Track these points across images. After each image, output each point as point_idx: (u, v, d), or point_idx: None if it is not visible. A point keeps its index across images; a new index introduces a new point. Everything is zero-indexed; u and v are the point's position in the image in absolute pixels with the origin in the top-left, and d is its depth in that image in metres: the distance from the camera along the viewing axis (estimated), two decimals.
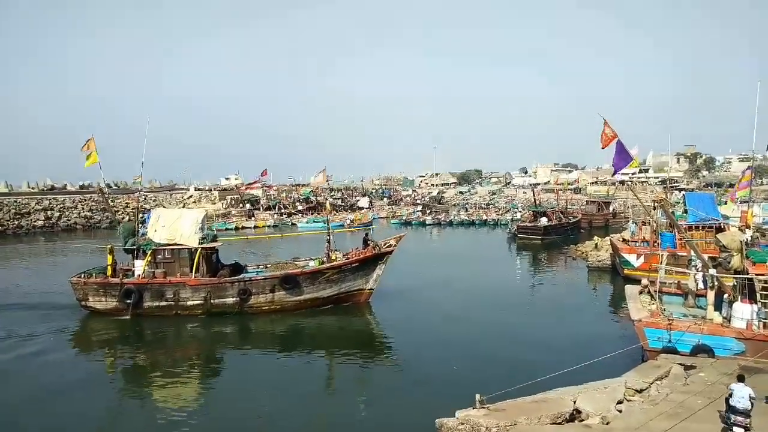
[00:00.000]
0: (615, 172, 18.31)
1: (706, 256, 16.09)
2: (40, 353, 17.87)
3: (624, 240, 30.64)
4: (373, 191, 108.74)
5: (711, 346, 13.26)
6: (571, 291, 27.45)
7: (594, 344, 16.52)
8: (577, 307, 23.43)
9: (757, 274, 13.51)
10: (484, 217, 69.20)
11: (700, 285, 16.87)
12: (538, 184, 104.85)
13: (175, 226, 22.61)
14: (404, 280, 28.18)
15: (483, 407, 9.76)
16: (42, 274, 33.12)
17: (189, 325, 20.96)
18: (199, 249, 22.11)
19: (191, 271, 21.98)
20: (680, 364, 12.18)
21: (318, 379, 15.77)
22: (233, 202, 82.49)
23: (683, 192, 55.82)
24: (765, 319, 13.12)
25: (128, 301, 21.49)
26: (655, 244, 25.49)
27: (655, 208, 26.54)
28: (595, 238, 39.14)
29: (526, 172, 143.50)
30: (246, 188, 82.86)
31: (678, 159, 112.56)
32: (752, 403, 8.50)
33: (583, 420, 9.85)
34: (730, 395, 8.66)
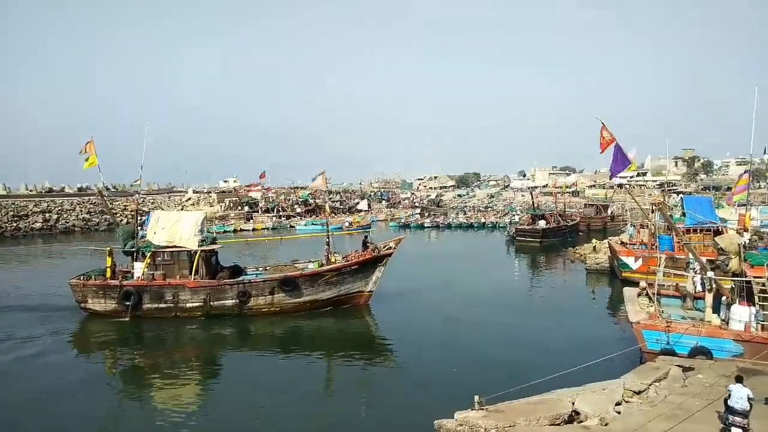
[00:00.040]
0: (612, 176, 18.39)
1: (704, 259, 16.18)
2: (40, 355, 17.86)
3: (622, 243, 30.73)
4: (372, 194, 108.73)
5: (709, 348, 13.32)
6: (569, 293, 27.52)
7: (592, 346, 16.59)
8: (575, 310, 23.49)
9: (754, 277, 13.59)
10: (483, 220, 69.25)
11: (698, 287, 16.98)
12: (537, 187, 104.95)
13: (174, 228, 22.65)
14: (403, 282, 28.23)
15: (482, 408, 9.80)
16: (41, 276, 33.05)
17: (188, 327, 20.95)
18: (199, 251, 22.14)
19: (190, 274, 21.99)
20: (678, 365, 12.24)
21: (317, 380, 15.80)
22: (231, 204, 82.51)
23: (681, 195, 55.92)
24: (763, 321, 13.18)
25: (127, 303, 21.50)
26: (653, 247, 25.59)
27: (653, 211, 26.70)
28: (594, 240, 39.25)
29: (524, 175, 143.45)
30: (247, 190, 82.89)
31: (676, 162, 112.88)
32: (751, 404, 8.55)
33: (581, 421, 9.89)
34: (729, 396, 8.72)
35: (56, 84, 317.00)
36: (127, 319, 21.50)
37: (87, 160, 23.76)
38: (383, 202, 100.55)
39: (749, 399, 8.55)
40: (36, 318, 22.32)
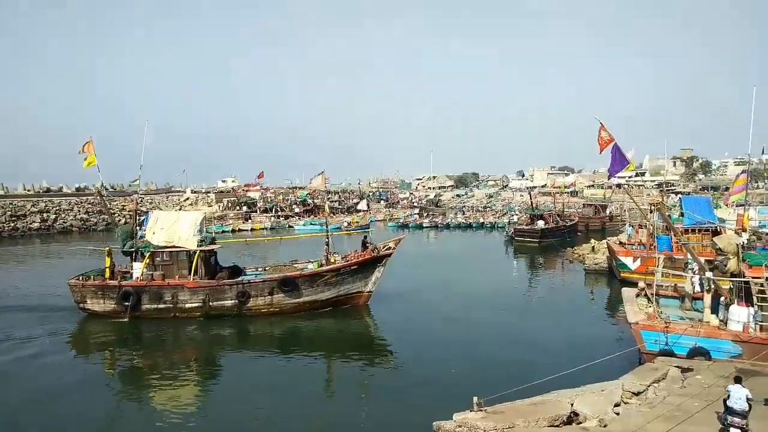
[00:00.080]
0: (611, 176, 18.44)
1: (702, 259, 16.19)
2: (39, 355, 17.84)
3: (621, 243, 30.76)
4: (370, 194, 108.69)
5: (708, 348, 13.34)
6: (568, 294, 27.55)
7: (591, 347, 16.61)
8: (574, 310, 23.51)
9: (753, 277, 13.59)
10: (481, 220, 69.30)
11: (697, 288, 17.01)
12: (535, 187, 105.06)
13: (173, 228, 22.62)
14: (403, 282, 28.24)
15: (480, 410, 9.79)
16: (39, 277, 33.00)
17: (187, 327, 20.93)
18: (198, 251, 22.12)
19: (190, 274, 21.97)
20: (677, 366, 12.26)
21: (316, 381, 15.79)
22: (230, 204, 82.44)
23: (679, 195, 56.03)
24: (761, 321, 13.20)
25: (126, 303, 21.47)
26: (652, 247, 25.58)
27: (651, 212, 26.72)
28: (592, 241, 39.24)
29: (523, 176, 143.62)
30: (245, 190, 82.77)
31: (674, 162, 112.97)
32: (749, 405, 8.58)
33: (580, 423, 9.89)
34: (728, 397, 8.74)
35: (56, 84, 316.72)
36: (126, 319, 21.47)
37: (86, 159, 23.77)
38: (382, 202, 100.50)
39: (748, 399, 8.57)
40: (35, 318, 22.29)
